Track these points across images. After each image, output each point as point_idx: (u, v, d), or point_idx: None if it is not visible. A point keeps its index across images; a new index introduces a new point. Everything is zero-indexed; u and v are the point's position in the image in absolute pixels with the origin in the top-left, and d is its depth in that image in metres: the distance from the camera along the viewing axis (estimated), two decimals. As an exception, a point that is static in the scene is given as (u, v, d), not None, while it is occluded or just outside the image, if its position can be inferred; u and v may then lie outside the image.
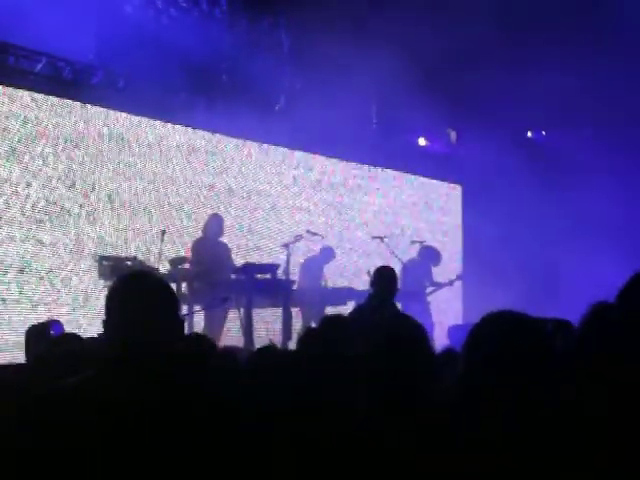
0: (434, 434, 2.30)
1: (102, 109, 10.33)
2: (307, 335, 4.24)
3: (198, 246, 10.18)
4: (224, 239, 10.45)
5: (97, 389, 2.33)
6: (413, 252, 12.41)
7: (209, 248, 10.09)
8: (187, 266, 9.83)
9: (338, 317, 4.99)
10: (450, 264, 13.28)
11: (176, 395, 2.36)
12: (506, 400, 2.22)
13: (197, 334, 6.74)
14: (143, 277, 2.61)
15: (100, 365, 2.44)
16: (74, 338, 4.45)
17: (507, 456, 2.11)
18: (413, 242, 12.54)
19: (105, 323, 2.45)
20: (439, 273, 12.47)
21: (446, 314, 12.93)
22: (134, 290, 2.47)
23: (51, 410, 2.31)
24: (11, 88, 9.49)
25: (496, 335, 2.36)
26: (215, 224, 10.34)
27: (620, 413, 2.29)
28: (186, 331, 8.56)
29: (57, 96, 9.90)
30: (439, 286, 12.19)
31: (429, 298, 11.96)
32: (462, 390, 2.35)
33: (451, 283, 12.33)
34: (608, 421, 2.25)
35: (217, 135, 11.65)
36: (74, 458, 2.22)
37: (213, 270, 9.77)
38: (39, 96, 9.72)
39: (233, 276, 9.82)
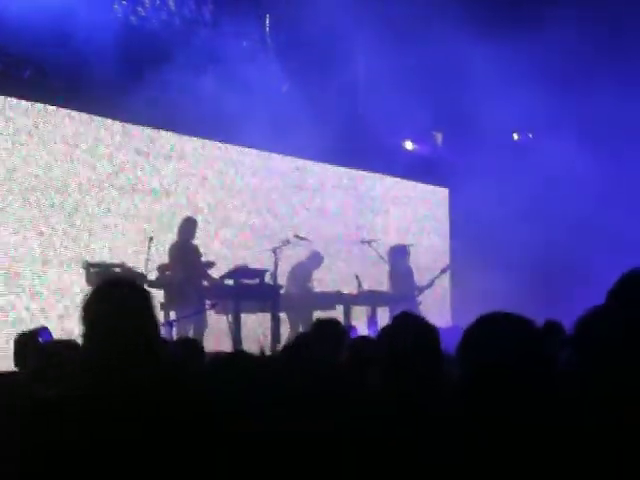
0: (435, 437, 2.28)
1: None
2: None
3: (174, 250, 10.12)
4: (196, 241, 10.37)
5: (79, 400, 2.31)
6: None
7: (184, 252, 10.04)
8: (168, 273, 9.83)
9: (332, 320, 4.99)
10: (438, 266, 13.24)
11: (153, 399, 2.35)
12: (507, 410, 2.18)
13: (186, 339, 6.72)
14: (114, 285, 2.58)
15: (80, 376, 2.42)
16: (68, 345, 4.40)
17: (511, 465, 2.07)
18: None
19: (82, 335, 2.44)
20: (425, 273, 12.51)
21: (434, 316, 12.91)
22: (105, 299, 2.45)
23: (34, 424, 2.28)
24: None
25: (496, 340, 2.31)
26: (188, 227, 10.27)
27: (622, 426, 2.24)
28: (174, 337, 8.52)
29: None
30: (420, 289, 12.20)
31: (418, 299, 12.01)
32: (460, 397, 2.31)
33: (431, 284, 12.32)
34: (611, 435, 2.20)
35: (200, 139, 11.64)
36: (58, 473, 2.19)
37: (191, 274, 9.77)
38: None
39: (220, 281, 9.80)
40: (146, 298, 2.52)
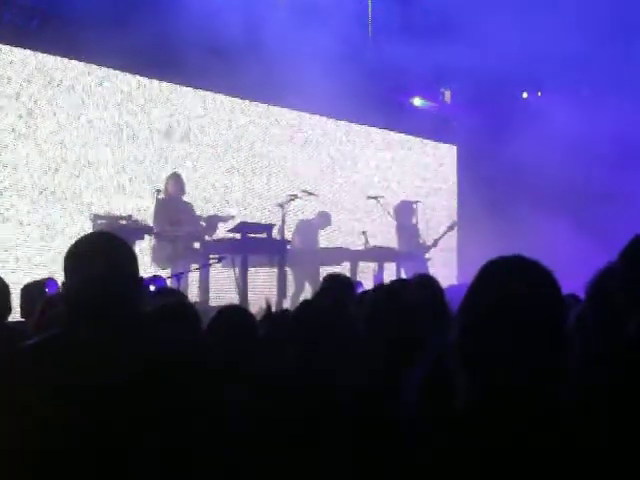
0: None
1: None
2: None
3: (164, 206, 9.86)
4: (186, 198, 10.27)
5: (60, 347, 2.32)
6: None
7: (179, 207, 9.95)
8: (168, 227, 9.67)
9: (340, 275, 4.97)
10: (445, 224, 13.22)
11: (134, 350, 2.35)
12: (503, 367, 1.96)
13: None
14: (98, 237, 2.59)
15: (64, 324, 2.42)
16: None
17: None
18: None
19: (64, 284, 2.43)
20: (432, 231, 12.49)
21: (441, 273, 12.90)
22: (88, 250, 2.43)
23: (12, 370, 2.29)
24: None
25: (497, 283, 2.05)
26: (176, 183, 10.15)
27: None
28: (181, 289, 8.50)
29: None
30: (428, 247, 12.18)
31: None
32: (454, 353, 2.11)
33: (438, 241, 12.31)
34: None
35: (202, 91, 11.55)
36: (38, 421, 2.19)
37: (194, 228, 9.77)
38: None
39: (229, 235, 9.77)
40: (125, 251, 2.48)
